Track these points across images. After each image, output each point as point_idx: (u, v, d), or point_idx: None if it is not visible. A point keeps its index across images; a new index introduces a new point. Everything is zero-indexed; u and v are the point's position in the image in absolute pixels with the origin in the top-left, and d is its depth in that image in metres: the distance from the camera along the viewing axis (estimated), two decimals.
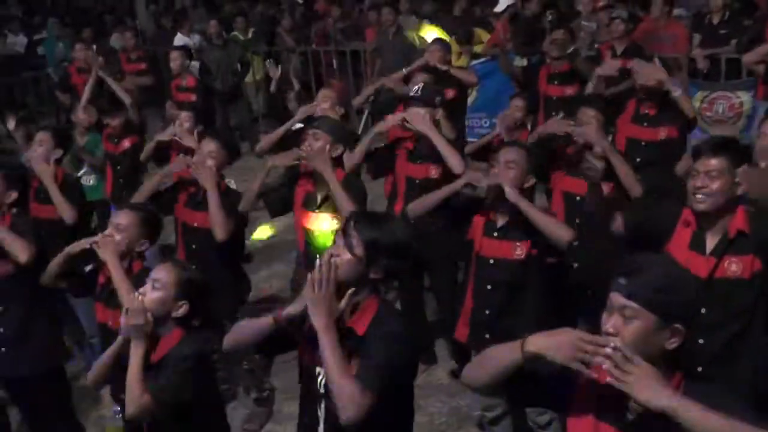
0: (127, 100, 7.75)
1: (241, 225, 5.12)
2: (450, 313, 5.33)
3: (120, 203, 6.75)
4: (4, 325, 4.47)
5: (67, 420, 4.73)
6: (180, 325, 3.43)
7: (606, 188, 4.62)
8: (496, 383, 2.43)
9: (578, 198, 4.77)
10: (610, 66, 6.77)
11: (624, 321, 2.26)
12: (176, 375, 3.29)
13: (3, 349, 4.48)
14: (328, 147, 4.66)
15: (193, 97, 9.04)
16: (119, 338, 3.44)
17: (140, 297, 3.36)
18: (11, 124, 6.95)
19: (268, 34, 12.60)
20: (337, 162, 4.77)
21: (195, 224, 5.09)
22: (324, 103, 5.93)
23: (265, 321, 2.89)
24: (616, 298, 2.29)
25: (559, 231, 4.00)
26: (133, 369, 3.29)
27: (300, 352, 3.01)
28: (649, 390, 2.14)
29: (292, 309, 2.84)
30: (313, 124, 4.91)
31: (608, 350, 2.16)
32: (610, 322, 2.28)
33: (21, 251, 4.30)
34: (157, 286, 3.40)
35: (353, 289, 2.76)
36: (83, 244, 4.02)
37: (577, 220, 4.65)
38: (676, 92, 5.46)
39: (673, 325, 2.25)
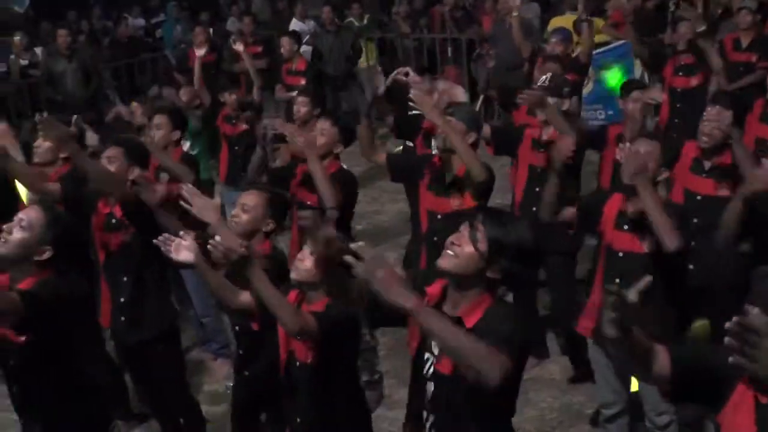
0: (257, 81, 7.83)
1: (347, 208, 5.09)
2: (566, 308, 5.22)
3: (235, 184, 6.84)
4: (124, 294, 4.56)
5: (180, 392, 4.78)
6: None
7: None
8: None
9: (699, 197, 4.64)
10: None
11: None
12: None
13: (122, 318, 4.59)
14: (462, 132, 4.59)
15: (303, 81, 9.18)
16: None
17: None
18: (135, 107, 7.04)
19: (382, 20, 12.60)
20: None
21: (308, 202, 5.10)
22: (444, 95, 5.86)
23: None
24: None
25: (669, 237, 3.73)
26: (268, 292, 3.19)
27: (410, 336, 2.94)
28: None
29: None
30: (447, 111, 4.85)
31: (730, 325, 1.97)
32: None
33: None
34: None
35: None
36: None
37: (695, 220, 4.46)
38: None
39: None
